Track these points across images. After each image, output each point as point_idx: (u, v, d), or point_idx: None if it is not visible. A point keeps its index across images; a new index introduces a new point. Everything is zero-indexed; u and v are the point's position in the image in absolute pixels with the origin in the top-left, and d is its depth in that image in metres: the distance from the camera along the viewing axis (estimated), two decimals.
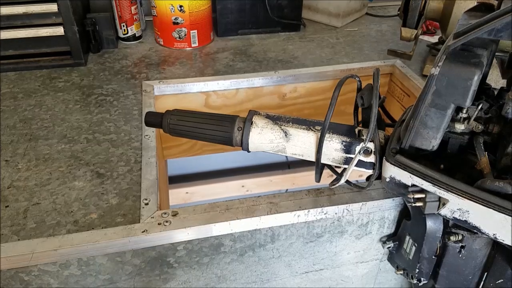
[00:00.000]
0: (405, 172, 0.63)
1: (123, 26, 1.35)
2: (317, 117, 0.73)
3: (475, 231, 0.61)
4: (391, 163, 0.65)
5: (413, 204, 0.63)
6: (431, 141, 0.63)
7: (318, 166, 0.71)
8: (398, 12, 1.15)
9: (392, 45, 1.37)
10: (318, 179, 0.74)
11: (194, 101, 1.19)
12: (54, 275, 0.69)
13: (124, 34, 1.37)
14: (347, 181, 0.75)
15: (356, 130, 0.70)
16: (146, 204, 0.75)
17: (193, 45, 1.37)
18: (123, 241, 0.68)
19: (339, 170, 0.73)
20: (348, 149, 0.69)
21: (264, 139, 0.70)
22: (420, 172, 0.62)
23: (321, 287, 0.92)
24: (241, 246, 0.77)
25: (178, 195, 1.91)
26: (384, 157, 0.67)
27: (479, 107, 0.63)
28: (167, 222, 0.71)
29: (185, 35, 1.34)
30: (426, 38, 1.46)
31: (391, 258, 0.87)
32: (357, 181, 0.82)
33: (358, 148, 0.68)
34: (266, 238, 0.77)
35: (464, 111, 0.62)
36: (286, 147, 0.71)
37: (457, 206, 0.59)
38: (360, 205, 0.76)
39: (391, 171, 0.65)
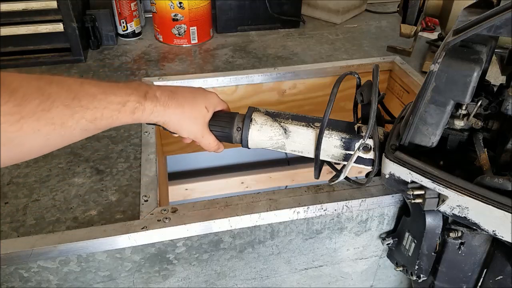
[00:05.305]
0: (404, 169, 0.63)
1: (123, 22, 1.35)
2: (317, 114, 0.73)
3: (474, 227, 0.61)
4: (390, 160, 0.65)
5: (413, 201, 0.63)
6: (431, 138, 0.63)
7: (317, 163, 0.71)
8: (398, 9, 1.15)
9: (391, 41, 1.37)
10: (317, 175, 0.74)
11: None
12: (53, 272, 0.70)
13: (123, 31, 1.37)
14: (347, 178, 0.75)
15: (356, 127, 0.70)
16: (146, 200, 0.75)
17: (192, 42, 1.36)
18: (122, 237, 0.68)
19: (338, 167, 0.73)
20: (347, 145, 0.69)
21: (263, 136, 0.70)
22: (420, 169, 0.62)
23: (321, 284, 0.92)
24: (240, 243, 0.77)
25: (178, 192, 1.91)
26: (383, 154, 0.67)
27: (479, 103, 0.63)
28: (166, 218, 0.71)
29: (184, 31, 1.33)
30: (426, 34, 1.46)
31: (390, 255, 0.87)
32: (356, 177, 0.82)
33: (357, 145, 0.68)
34: (265, 234, 0.77)
35: (464, 108, 0.62)
36: (285, 144, 0.71)
37: (457, 202, 0.60)
38: (360, 201, 0.76)
39: (391, 168, 0.65)
